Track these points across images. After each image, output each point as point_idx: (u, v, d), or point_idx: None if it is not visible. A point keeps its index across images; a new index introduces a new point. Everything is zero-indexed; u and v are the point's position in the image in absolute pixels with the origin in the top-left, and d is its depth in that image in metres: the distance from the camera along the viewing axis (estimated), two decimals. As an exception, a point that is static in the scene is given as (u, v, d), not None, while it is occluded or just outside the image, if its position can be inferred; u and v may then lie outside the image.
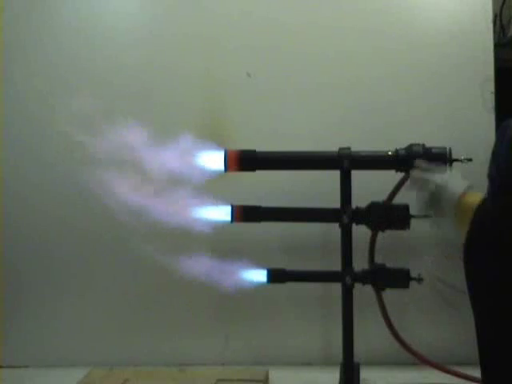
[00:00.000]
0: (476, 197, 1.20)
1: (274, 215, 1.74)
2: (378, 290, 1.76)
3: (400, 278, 1.70)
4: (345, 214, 1.65)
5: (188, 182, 1.63)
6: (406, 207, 1.66)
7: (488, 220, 1.09)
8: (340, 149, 1.65)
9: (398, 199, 1.77)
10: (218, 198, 1.69)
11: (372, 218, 1.66)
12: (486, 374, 1.11)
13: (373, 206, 1.67)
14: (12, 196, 2.04)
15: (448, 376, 1.81)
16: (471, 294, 1.13)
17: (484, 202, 1.13)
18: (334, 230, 1.68)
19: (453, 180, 1.34)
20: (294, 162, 1.71)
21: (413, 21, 1.98)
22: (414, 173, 1.48)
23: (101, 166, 1.60)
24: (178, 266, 1.65)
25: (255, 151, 1.68)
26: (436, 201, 1.35)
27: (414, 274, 1.70)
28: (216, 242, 1.73)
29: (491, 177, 1.13)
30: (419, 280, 1.70)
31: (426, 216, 1.64)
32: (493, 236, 1.07)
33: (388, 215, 1.66)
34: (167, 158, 1.62)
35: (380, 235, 1.79)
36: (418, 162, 1.50)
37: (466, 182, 1.34)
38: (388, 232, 1.70)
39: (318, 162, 1.69)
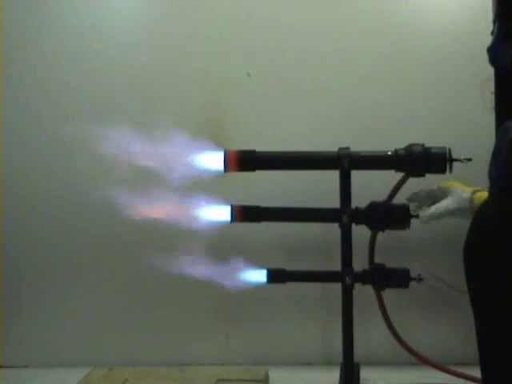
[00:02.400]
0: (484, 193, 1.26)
1: (274, 215, 1.74)
2: (378, 290, 1.77)
3: (400, 278, 1.70)
4: (345, 214, 1.65)
5: (188, 183, 1.63)
6: (406, 207, 1.66)
7: (488, 221, 1.09)
8: (340, 149, 1.65)
9: (398, 199, 1.77)
10: (217, 197, 1.69)
11: (372, 218, 1.66)
12: (485, 373, 1.12)
13: (373, 206, 1.67)
14: (13, 196, 2.04)
15: (448, 376, 1.81)
16: (471, 295, 1.13)
17: (485, 203, 1.13)
18: (333, 230, 1.68)
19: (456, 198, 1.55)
20: (293, 162, 1.70)
21: (413, 21, 1.97)
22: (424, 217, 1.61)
23: (101, 166, 1.60)
24: (178, 266, 1.65)
25: (255, 151, 1.67)
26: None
27: (413, 274, 1.70)
28: (216, 242, 1.73)
29: (491, 178, 1.13)
30: (419, 280, 1.70)
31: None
32: (493, 237, 1.07)
33: (388, 215, 1.66)
34: (167, 158, 1.62)
35: (380, 235, 1.80)
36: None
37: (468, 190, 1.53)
38: (388, 232, 1.70)
39: (317, 161, 1.69)
